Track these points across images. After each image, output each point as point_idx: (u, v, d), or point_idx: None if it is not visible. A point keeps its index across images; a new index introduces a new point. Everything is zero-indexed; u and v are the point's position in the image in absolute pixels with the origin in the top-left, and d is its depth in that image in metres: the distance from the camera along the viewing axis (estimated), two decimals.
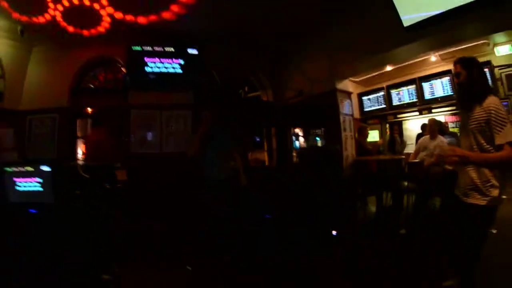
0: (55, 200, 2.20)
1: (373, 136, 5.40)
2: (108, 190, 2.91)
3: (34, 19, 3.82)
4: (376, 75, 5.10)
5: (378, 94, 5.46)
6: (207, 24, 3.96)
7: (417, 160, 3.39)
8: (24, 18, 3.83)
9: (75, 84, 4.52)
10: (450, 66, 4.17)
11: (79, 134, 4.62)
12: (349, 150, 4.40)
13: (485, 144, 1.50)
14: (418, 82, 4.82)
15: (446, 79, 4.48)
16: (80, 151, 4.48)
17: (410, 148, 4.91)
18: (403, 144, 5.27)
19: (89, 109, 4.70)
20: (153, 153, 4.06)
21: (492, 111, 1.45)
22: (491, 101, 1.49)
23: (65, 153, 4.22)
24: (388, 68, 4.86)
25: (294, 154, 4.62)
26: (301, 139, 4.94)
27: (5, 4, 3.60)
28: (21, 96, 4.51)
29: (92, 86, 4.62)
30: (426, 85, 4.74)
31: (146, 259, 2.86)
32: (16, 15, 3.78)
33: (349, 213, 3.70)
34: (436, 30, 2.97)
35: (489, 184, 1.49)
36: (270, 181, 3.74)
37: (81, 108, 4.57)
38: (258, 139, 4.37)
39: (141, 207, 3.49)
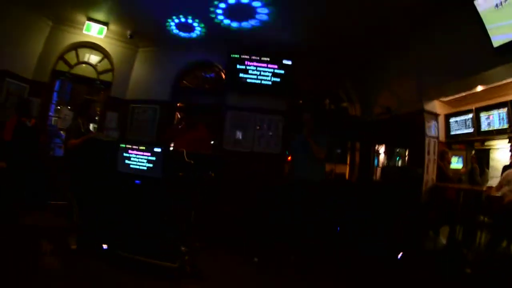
0: (162, 177, 2.46)
1: (457, 162, 5.01)
2: (211, 178, 3.22)
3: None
4: (467, 95, 4.72)
5: (466, 117, 4.92)
6: (298, 36, 4.16)
7: (497, 195, 3.04)
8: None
9: (176, 82, 5.15)
10: None
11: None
12: (430, 174, 4.18)
13: None
14: (510, 105, 4.09)
15: None
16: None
17: (496, 181, 4.46)
18: (485, 175, 4.81)
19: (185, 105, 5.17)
20: (243, 152, 4.42)
21: None
22: None
23: (162, 140, 4.73)
24: (479, 88, 4.47)
25: (376, 171, 4.58)
26: (382, 157, 4.86)
27: None
28: (127, 87, 5.30)
29: (191, 85, 5.19)
30: None
31: (219, 243, 3.17)
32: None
33: (419, 240, 3.56)
34: None
35: None
36: (351, 195, 3.79)
37: (179, 103, 5.11)
38: (339, 151, 4.44)
39: (225, 197, 3.84)
